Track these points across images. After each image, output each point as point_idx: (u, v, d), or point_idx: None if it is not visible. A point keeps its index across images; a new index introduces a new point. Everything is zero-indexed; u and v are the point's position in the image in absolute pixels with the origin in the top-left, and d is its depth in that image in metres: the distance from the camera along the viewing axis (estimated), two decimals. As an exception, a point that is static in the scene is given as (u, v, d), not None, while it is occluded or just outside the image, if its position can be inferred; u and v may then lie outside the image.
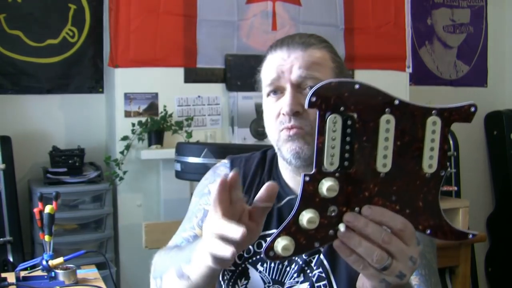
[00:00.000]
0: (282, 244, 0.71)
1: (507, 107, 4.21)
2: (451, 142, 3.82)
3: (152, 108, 2.99)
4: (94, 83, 3.18)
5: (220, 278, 1.21)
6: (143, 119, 2.92)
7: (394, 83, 3.49)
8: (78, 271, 1.81)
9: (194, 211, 1.25)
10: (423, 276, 1.05)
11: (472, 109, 0.72)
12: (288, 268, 1.14)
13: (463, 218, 2.77)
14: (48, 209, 1.77)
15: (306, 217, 0.71)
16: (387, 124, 0.71)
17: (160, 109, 2.98)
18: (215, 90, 3.11)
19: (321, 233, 0.72)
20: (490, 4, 4.24)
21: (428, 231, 0.75)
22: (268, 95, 1.13)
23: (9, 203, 2.78)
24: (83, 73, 3.16)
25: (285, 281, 1.13)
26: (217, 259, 0.81)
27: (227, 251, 0.77)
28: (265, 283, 1.15)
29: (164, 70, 3.01)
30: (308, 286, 1.11)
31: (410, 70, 3.53)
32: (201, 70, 3.07)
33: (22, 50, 3.03)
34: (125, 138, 2.91)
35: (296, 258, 1.13)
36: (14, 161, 2.85)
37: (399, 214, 0.73)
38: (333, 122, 0.71)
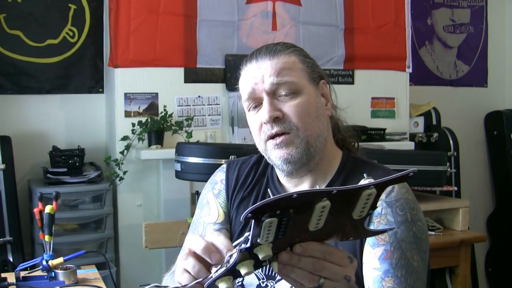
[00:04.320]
0: (224, 286, 0.81)
1: (507, 107, 4.21)
2: (451, 142, 3.83)
3: (152, 108, 2.99)
4: (94, 83, 3.18)
5: None
6: (143, 119, 2.92)
7: (394, 83, 3.49)
8: (78, 271, 1.81)
9: (196, 224, 1.31)
10: (398, 278, 1.08)
11: (411, 174, 0.74)
12: None
13: (463, 218, 2.78)
14: (48, 209, 1.78)
15: (243, 271, 0.80)
16: (322, 208, 0.75)
17: (160, 109, 2.98)
18: (215, 90, 3.11)
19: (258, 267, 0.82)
20: (490, 4, 4.24)
21: (351, 238, 0.84)
22: (249, 110, 1.19)
23: (9, 203, 2.78)
24: (83, 73, 3.15)
25: (277, 275, 1.16)
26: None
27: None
28: (259, 279, 1.18)
29: (164, 70, 3.01)
30: None
31: (410, 70, 3.53)
32: (201, 70, 3.07)
33: (22, 50, 3.03)
34: (125, 138, 2.91)
35: None
36: (14, 161, 2.84)
37: (327, 241, 0.81)
38: (269, 222, 0.74)
